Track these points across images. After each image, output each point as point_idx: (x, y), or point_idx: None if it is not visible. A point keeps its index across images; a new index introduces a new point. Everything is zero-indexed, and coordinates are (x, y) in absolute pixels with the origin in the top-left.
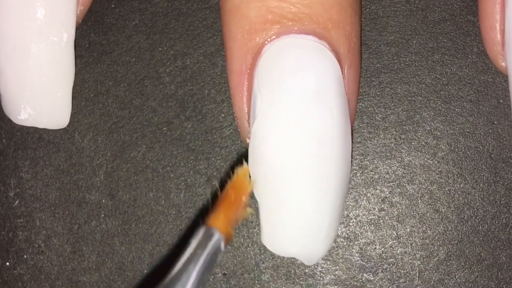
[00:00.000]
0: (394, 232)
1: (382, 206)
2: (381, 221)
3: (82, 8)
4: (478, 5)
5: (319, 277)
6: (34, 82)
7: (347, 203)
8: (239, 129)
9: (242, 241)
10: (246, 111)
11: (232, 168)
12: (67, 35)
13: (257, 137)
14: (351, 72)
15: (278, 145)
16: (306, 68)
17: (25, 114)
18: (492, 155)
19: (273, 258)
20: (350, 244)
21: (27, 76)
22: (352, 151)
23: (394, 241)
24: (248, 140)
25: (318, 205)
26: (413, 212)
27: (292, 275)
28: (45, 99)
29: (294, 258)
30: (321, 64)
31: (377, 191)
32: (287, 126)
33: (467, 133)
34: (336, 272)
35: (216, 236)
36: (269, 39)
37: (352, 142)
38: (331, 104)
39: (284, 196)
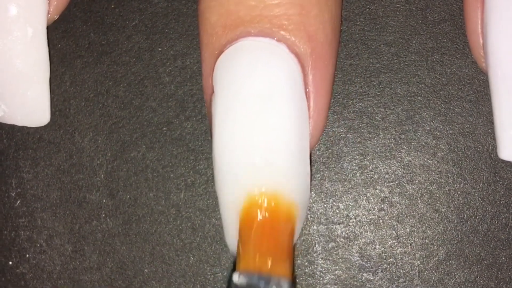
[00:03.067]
0: (394, 232)
1: (382, 206)
2: (381, 221)
3: (56, 3)
4: (463, 9)
5: (319, 277)
6: (3, 79)
7: (347, 203)
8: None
9: None
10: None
11: None
12: (33, 30)
13: (214, 141)
14: (316, 73)
15: (229, 149)
16: (256, 71)
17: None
18: (492, 155)
19: None
20: (350, 244)
21: None
22: (311, 154)
23: (394, 241)
24: None
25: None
26: (413, 212)
27: None
28: (17, 96)
29: None
30: (273, 67)
31: (377, 191)
32: (237, 129)
33: (467, 133)
34: (336, 272)
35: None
36: (228, 43)
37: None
38: (281, 107)
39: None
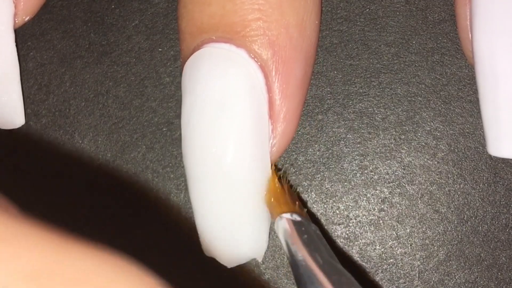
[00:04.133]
0: (394, 233)
1: (382, 206)
2: (381, 221)
3: (23, 4)
4: (454, 4)
5: None
6: None
7: (347, 203)
8: None
9: None
10: None
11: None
12: None
13: (183, 143)
14: (280, 78)
15: (189, 152)
16: (213, 78)
17: None
18: (492, 156)
19: (273, 258)
20: (350, 244)
21: None
22: (266, 158)
23: (394, 241)
24: None
25: (226, 209)
26: (413, 213)
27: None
28: None
29: None
30: (229, 74)
31: (377, 191)
32: (197, 134)
33: (467, 134)
34: None
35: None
36: (195, 49)
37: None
38: (235, 114)
39: (192, 196)
